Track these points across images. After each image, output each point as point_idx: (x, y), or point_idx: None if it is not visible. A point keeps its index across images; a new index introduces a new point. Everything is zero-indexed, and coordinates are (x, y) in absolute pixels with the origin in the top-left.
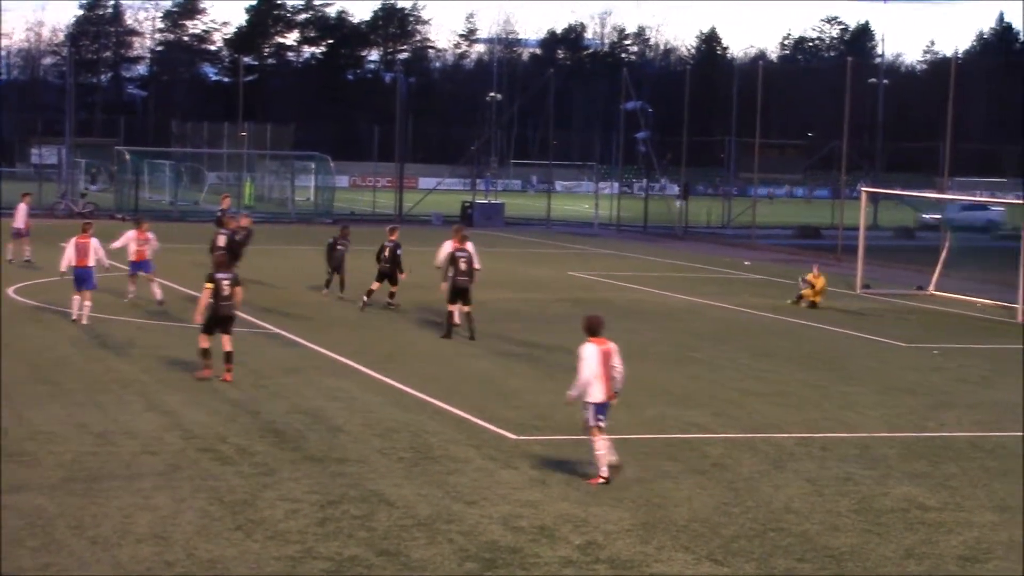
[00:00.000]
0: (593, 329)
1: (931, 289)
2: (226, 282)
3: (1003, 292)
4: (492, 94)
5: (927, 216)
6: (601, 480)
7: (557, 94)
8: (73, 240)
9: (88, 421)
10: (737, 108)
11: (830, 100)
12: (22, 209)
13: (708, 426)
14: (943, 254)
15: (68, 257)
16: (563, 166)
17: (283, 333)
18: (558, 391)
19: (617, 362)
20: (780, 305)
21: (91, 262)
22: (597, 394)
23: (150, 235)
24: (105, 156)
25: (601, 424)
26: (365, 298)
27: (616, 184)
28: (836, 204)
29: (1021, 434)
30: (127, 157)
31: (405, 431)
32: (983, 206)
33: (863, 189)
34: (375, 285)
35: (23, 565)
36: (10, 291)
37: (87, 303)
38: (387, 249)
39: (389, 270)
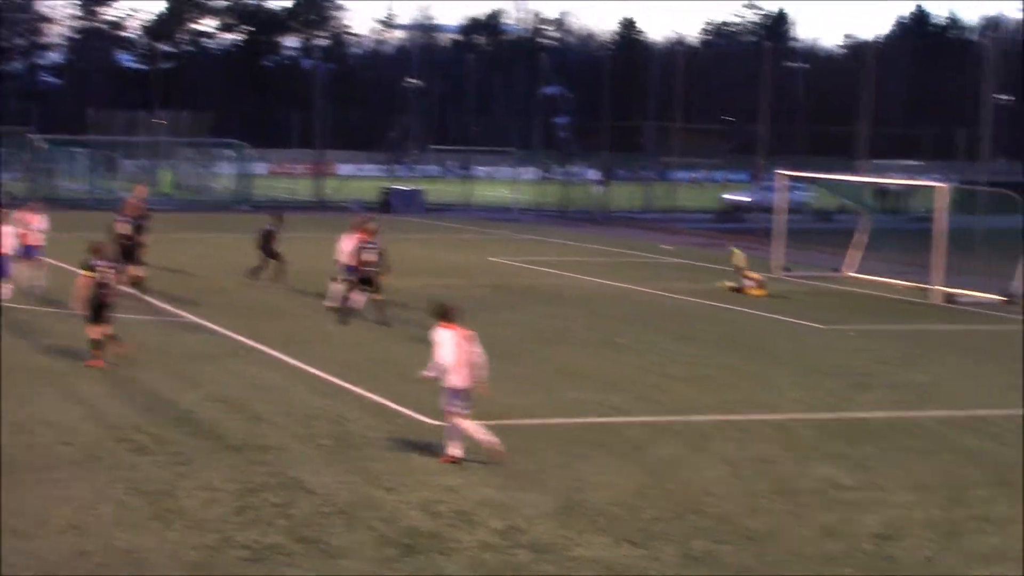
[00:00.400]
0: (446, 315)
1: (849, 271)
2: (107, 270)
3: (919, 274)
4: (411, 80)
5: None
6: (451, 459)
7: (477, 80)
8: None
9: (5, 411)
10: (657, 93)
11: (749, 85)
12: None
13: (628, 410)
14: (862, 237)
15: None
16: (483, 152)
17: (201, 321)
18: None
19: (477, 348)
20: (700, 288)
21: (7, 250)
22: (454, 380)
23: (37, 218)
24: (19, 144)
25: (460, 410)
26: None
27: (536, 169)
28: (754, 187)
29: (938, 414)
30: (42, 145)
31: (324, 418)
32: (799, 187)
33: (779, 172)
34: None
35: None
36: None
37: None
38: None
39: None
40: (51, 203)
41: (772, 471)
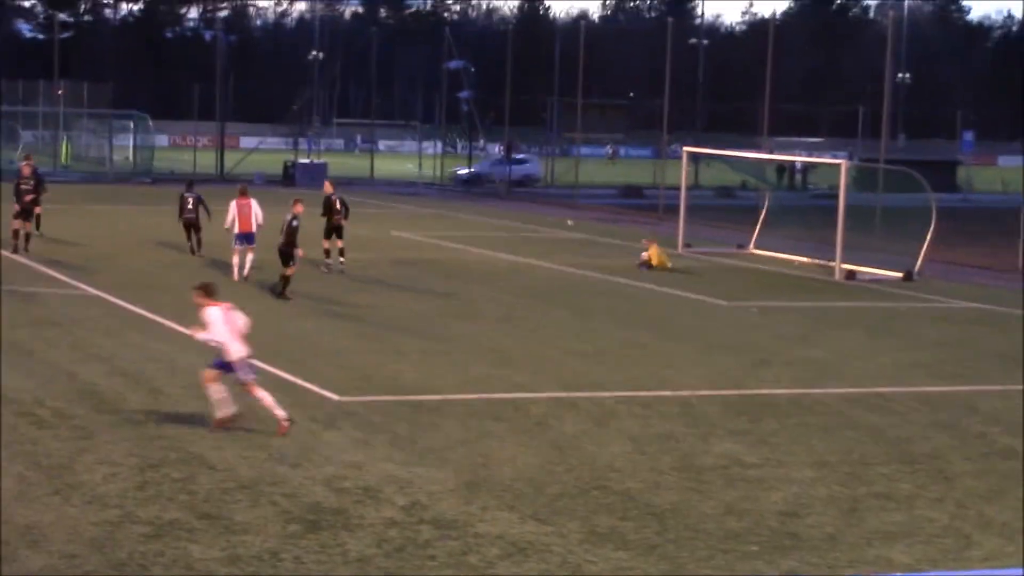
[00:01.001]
0: (210, 292)
1: (751, 248)
2: None
3: (820, 251)
4: (314, 53)
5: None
6: (222, 422)
7: (379, 53)
8: None
9: None
10: (560, 68)
11: (652, 61)
12: None
13: (531, 386)
14: (762, 213)
15: None
16: (387, 126)
17: (101, 295)
18: (381, 351)
19: (240, 316)
20: (602, 264)
21: None
22: (235, 352)
23: None
24: None
25: (252, 379)
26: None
27: (440, 144)
28: (657, 164)
29: (839, 391)
30: None
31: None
32: (522, 160)
33: (685, 149)
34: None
35: None
36: None
37: None
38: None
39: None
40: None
41: (675, 448)
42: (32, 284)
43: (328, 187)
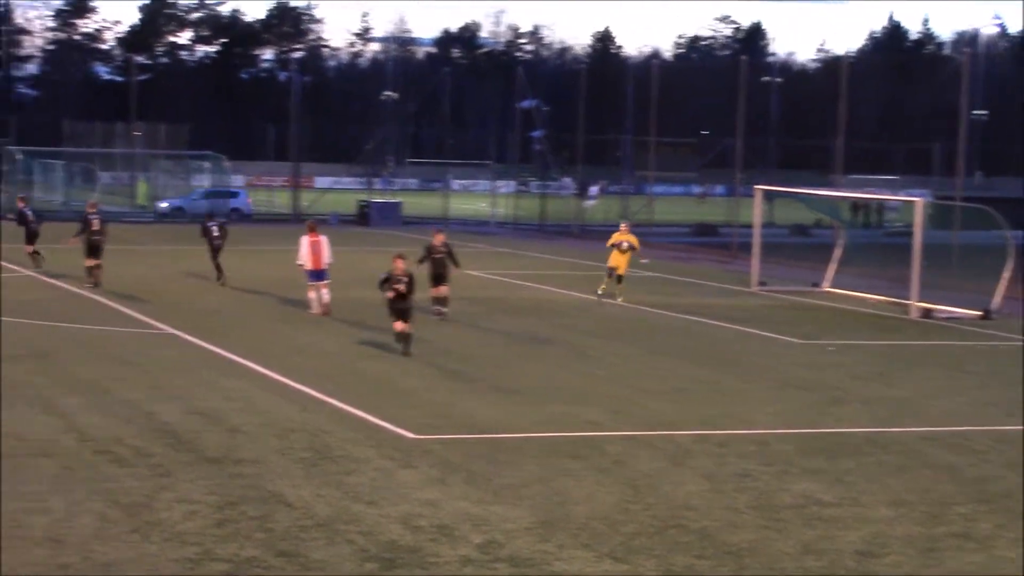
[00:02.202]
0: (312, 229)
1: (825, 286)
2: None
3: (896, 288)
4: (387, 93)
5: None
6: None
7: (452, 93)
8: None
9: None
10: (632, 106)
11: (724, 99)
12: None
13: (606, 424)
14: (837, 251)
15: None
16: (460, 165)
17: (177, 333)
18: (456, 390)
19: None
20: (676, 302)
21: None
22: (308, 265)
23: None
24: None
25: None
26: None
27: (513, 182)
28: (731, 202)
29: (916, 430)
30: (18, 157)
31: (303, 431)
32: (233, 192)
33: (757, 187)
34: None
35: None
36: None
37: None
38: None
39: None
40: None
41: (752, 486)
42: (108, 323)
43: (438, 238)
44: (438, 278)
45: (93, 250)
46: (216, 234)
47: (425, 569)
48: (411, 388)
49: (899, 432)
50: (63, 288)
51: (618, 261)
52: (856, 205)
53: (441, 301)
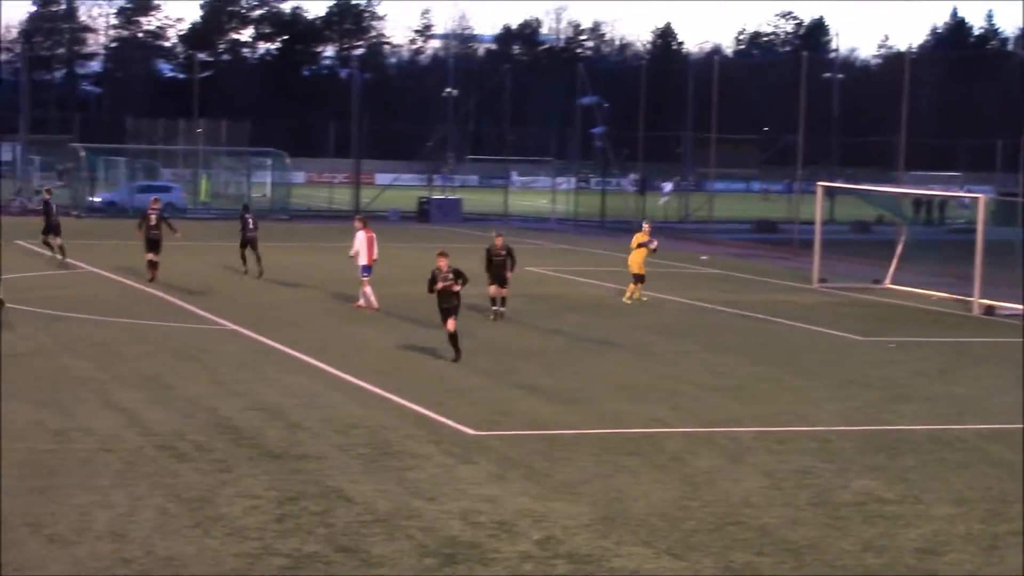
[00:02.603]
0: (364, 224)
1: (887, 283)
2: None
3: (958, 285)
4: (448, 90)
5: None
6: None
7: (513, 90)
8: None
9: (45, 418)
10: (693, 103)
11: (785, 95)
12: None
13: (666, 420)
14: (899, 248)
15: None
16: (520, 161)
17: (239, 329)
18: (516, 386)
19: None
20: (737, 299)
21: None
22: (361, 259)
23: None
24: (60, 153)
25: (365, 279)
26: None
27: (573, 179)
28: (792, 199)
29: (978, 427)
30: (82, 154)
31: (363, 427)
32: (163, 187)
33: (819, 184)
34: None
35: None
36: None
37: None
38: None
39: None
40: (90, 211)
41: (812, 483)
42: (170, 319)
43: (498, 240)
44: (498, 279)
45: (152, 245)
46: (251, 226)
47: (485, 565)
48: (471, 384)
49: (961, 429)
50: (125, 284)
51: (637, 261)
52: (918, 202)
53: (499, 301)
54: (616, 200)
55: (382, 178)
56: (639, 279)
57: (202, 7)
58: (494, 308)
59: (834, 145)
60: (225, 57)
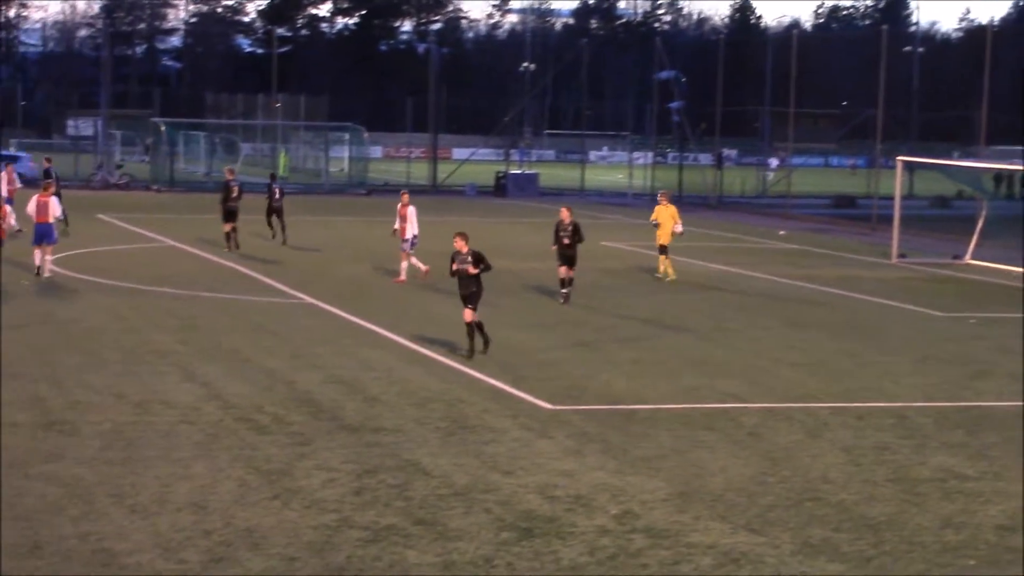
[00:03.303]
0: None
1: (968, 258)
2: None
3: None
4: (525, 64)
5: None
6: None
7: (590, 64)
8: (35, 198)
9: (126, 391)
10: (771, 78)
11: (864, 69)
12: (4, 177)
13: (743, 396)
14: (979, 223)
15: (29, 213)
16: (597, 136)
17: (318, 303)
18: (593, 361)
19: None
20: (814, 274)
21: (50, 219)
22: (403, 233)
23: (53, 200)
24: (140, 128)
25: (407, 250)
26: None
27: (650, 154)
28: (871, 173)
29: None
30: (162, 129)
31: (441, 401)
32: (11, 157)
33: (900, 159)
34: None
35: (63, 533)
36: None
37: (48, 257)
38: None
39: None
40: (170, 185)
41: (890, 459)
42: (250, 293)
43: (565, 214)
44: (566, 259)
45: (229, 215)
46: (276, 196)
47: (562, 539)
48: (548, 359)
49: None
50: (203, 257)
51: (665, 232)
52: (999, 176)
53: (566, 283)
54: (693, 175)
55: (459, 152)
56: (663, 250)
57: None
58: (563, 291)
59: (914, 119)
60: (304, 32)
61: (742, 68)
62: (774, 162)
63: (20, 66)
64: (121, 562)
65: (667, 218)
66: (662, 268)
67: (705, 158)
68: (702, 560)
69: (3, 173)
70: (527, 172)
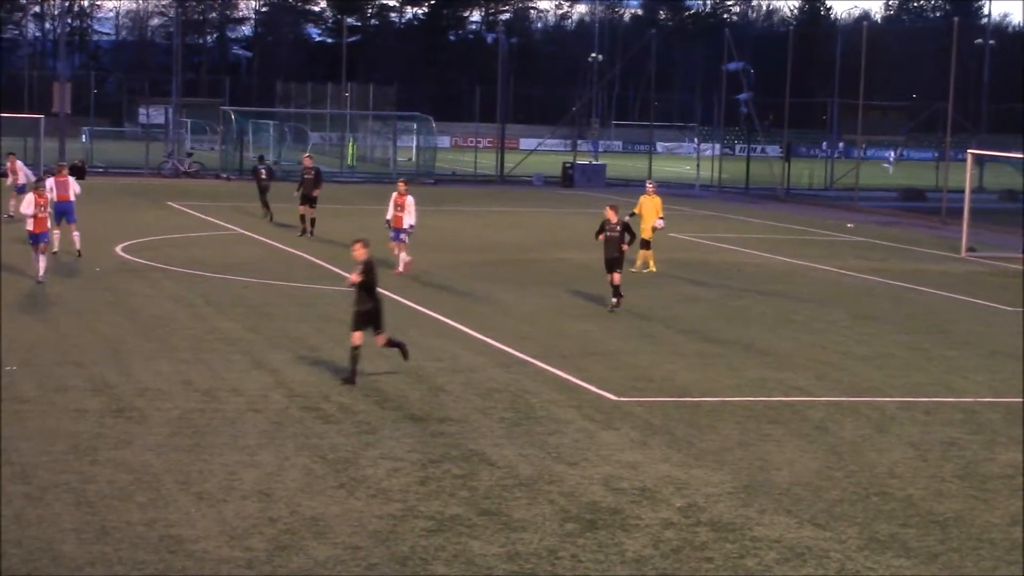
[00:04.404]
0: (401, 187)
1: None
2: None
3: None
4: (593, 55)
5: None
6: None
7: (658, 55)
8: (52, 179)
9: (194, 378)
10: (840, 69)
11: (934, 61)
12: (20, 165)
13: (810, 389)
14: None
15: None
16: (664, 127)
17: (383, 292)
18: (658, 352)
19: (409, 202)
20: (882, 267)
21: (71, 196)
22: (393, 223)
23: (70, 179)
24: (211, 116)
25: (395, 241)
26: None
27: (717, 146)
28: (940, 166)
29: None
30: (232, 117)
31: (506, 391)
32: None
33: (970, 152)
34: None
35: (131, 519)
36: (117, 248)
37: (75, 234)
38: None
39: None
40: (240, 174)
41: (958, 455)
42: (317, 281)
43: (611, 214)
44: (612, 263)
45: (307, 200)
46: (264, 176)
47: (626, 531)
48: (613, 350)
49: None
50: (272, 245)
51: (646, 225)
52: None
53: (615, 290)
54: (761, 167)
55: (526, 143)
56: (646, 244)
57: None
58: (613, 300)
59: (985, 112)
60: (373, 22)
61: (811, 60)
62: (890, 154)
63: (93, 55)
64: (187, 549)
65: (650, 210)
66: (640, 261)
67: (772, 150)
68: (767, 554)
69: (9, 164)
70: (594, 163)
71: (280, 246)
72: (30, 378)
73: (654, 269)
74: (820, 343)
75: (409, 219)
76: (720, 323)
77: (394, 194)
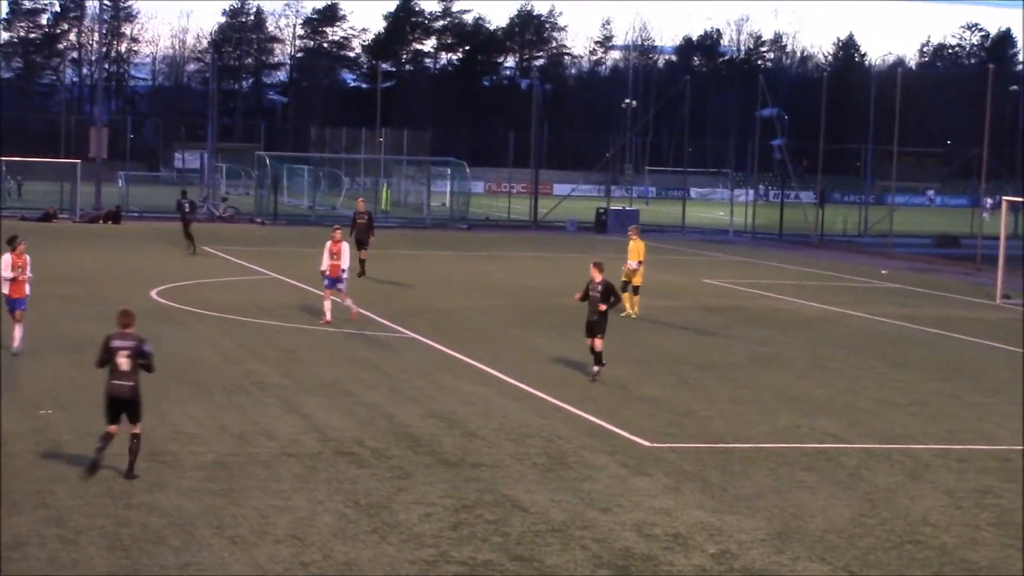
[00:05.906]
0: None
1: None
2: (124, 353)
3: None
4: (627, 101)
5: None
6: (326, 322)
7: (692, 101)
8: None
9: (228, 423)
10: (874, 115)
11: (969, 108)
12: None
13: (843, 436)
14: None
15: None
16: (698, 173)
17: (417, 337)
18: (692, 399)
19: (344, 252)
20: (916, 314)
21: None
22: (326, 271)
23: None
24: (246, 161)
25: (329, 290)
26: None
27: (751, 191)
28: (975, 213)
29: None
30: (267, 162)
31: (539, 436)
32: None
33: (1005, 199)
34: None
35: (165, 563)
36: (152, 293)
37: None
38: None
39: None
40: (274, 218)
41: (993, 503)
42: (350, 326)
43: (595, 273)
44: (592, 327)
45: (360, 244)
46: (187, 209)
47: None
48: (646, 395)
49: None
50: (306, 290)
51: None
52: None
53: (596, 357)
54: (795, 212)
55: (560, 188)
56: (635, 289)
57: (386, 18)
58: (594, 369)
59: (1019, 158)
60: (407, 67)
61: (845, 106)
62: (989, 201)
63: (130, 100)
64: None
65: (634, 254)
66: (629, 306)
67: (806, 196)
68: None
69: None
70: (628, 208)
71: (313, 290)
72: (65, 422)
73: (631, 313)
74: (853, 389)
75: (344, 264)
76: (754, 369)
77: (328, 243)
